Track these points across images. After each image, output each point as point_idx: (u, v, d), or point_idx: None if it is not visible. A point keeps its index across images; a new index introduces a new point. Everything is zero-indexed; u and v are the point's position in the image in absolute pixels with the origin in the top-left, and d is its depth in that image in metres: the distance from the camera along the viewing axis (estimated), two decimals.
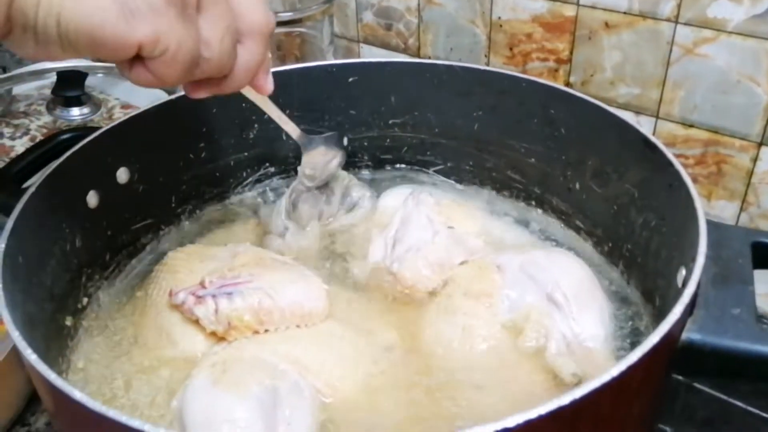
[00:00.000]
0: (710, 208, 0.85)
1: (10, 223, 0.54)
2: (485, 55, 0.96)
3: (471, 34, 0.96)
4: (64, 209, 0.62)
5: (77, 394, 0.40)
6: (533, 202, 0.77)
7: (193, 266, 0.66)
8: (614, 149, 0.66)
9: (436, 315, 0.64)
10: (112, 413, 0.38)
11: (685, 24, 0.78)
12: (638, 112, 0.86)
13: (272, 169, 0.82)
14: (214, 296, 0.59)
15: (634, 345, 0.60)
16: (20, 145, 1.04)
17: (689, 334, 0.47)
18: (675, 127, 0.84)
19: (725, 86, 0.78)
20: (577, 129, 0.70)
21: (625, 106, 0.86)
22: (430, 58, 1.01)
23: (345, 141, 0.77)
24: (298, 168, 0.73)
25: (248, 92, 0.56)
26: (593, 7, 0.84)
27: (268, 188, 0.82)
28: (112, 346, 0.63)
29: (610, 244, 0.70)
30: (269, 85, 0.55)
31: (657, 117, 0.85)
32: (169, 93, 0.93)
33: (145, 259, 0.73)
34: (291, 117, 0.67)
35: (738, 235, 0.54)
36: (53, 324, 0.60)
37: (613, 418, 0.44)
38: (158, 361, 0.60)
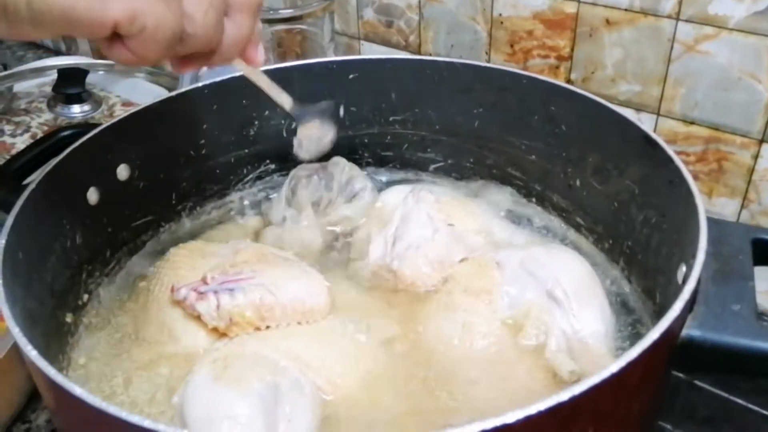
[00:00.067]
0: (711, 205, 0.85)
1: (10, 220, 0.54)
2: (486, 52, 0.96)
3: (472, 31, 0.96)
4: (64, 206, 0.62)
5: (77, 390, 0.40)
6: (534, 199, 0.77)
7: (194, 262, 0.66)
8: (615, 146, 0.65)
9: (436, 312, 0.64)
10: (112, 409, 0.38)
11: (687, 21, 0.78)
12: (639, 109, 0.86)
13: (273, 166, 0.82)
14: (215, 292, 0.59)
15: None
16: (21, 143, 1.03)
17: (689, 331, 0.46)
18: (676, 125, 0.84)
19: (726, 83, 0.78)
20: (578, 126, 0.70)
21: (626, 104, 0.86)
22: (431, 55, 1.01)
23: (341, 112, 0.75)
24: (293, 140, 0.69)
25: (238, 64, 0.54)
26: (594, 4, 0.84)
27: (268, 185, 0.82)
28: (113, 342, 0.63)
29: (611, 241, 0.70)
30: (260, 57, 0.53)
31: (658, 114, 0.85)
32: (170, 90, 0.93)
33: (145, 256, 0.73)
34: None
35: (738, 232, 0.54)
36: (53, 321, 0.60)
37: (612, 415, 0.44)
38: (159, 358, 0.60)
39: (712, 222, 0.51)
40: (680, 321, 0.46)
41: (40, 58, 1.43)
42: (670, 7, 0.79)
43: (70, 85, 1.10)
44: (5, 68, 1.26)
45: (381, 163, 0.84)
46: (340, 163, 0.78)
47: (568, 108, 0.70)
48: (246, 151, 0.79)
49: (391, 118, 0.80)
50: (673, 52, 0.80)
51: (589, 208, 0.72)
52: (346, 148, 0.80)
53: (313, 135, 0.69)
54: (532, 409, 0.37)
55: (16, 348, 0.61)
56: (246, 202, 0.81)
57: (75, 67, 1.13)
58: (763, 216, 0.82)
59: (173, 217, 0.77)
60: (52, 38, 1.15)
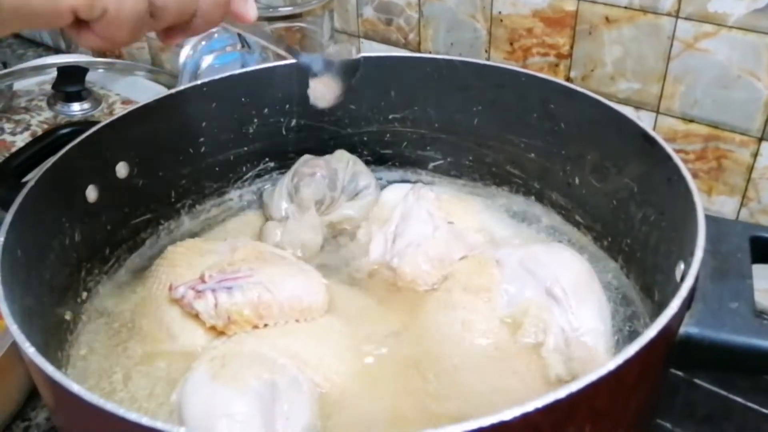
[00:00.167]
0: (710, 203, 0.85)
1: (9, 217, 0.54)
2: (486, 50, 0.96)
3: (471, 29, 0.96)
4: (63, 203, 0.62)
5: (75, 387, 0.40)
6: (533, 197, 0.77)
7: (192, 260, 0.66)
8: (614, 144, 0.65)
9: (435, 310, 0.64)
10: (109, 406, 0.38)
11: (686, 19, 0.78)
12: (638, 107, 0.86)
13: (272, 164, 0.82)
14: (213, 290, 0.59)
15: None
16: (21, 141, 1.04)
17: (687, 328, 0.46)
18: (675, 123, 0.84)
19: (726, 81, 0.78)
20: (577, 124, 0.70)
21: (625, 102, 0.86)
22: (430, 53, 1.01)
23: (355, 52, 0.68)
24: (308, 92, 0.65)
25: (231, 25, 0.52)
26: (593, 2, 0.84)
27: (267, 183, 0.82)
28: (112, 339, 0.63)
29: (610, 239, 0.70)
30: (251, 11, 0.51)
31: (657, 112, 0.85)
32: (169, 88, 0.93)
33: (144, 254, 0.73)
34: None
35: (737, 230, 0.54)
36: (52, 318, 0.60)
37: (610, 412, 0.44)
38: (157, 355, 0.60)
39: (711, 220, 0.51)
40: (678, 319, 0.46)
41: (40, 56, 1.43)
42: (670, 4, 0.78)
43: (70, 83, 1.10)
44: (5, 66, 1.26)
45: (380, 161, 0.84)
46: (343, 157, 0.77)
47: (567, 106, 0.70)
48: (245, 148, 0.79)
49: (390, 116, 0.80)
50: (673, 50, 0.80)
51: (588, 205, 0.72)
52: (345, 146, 0.80)
53: (326, 87, 0.65)
54: (530, 407, 0.37)
55: (14, 346, 0.61)
56: (245, 200, 0.81)
57: (75, 65, 1.13)
58: (762, 214, 0.82)
59: (172, 215, 0.77)
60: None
